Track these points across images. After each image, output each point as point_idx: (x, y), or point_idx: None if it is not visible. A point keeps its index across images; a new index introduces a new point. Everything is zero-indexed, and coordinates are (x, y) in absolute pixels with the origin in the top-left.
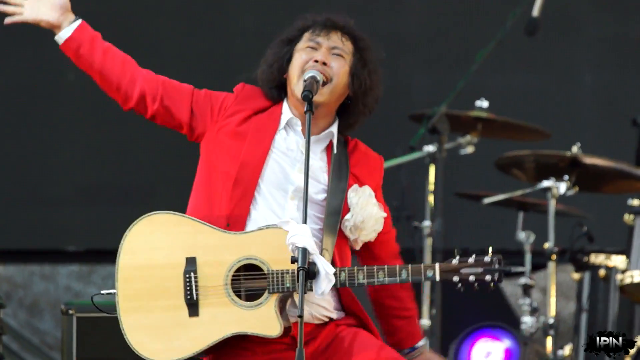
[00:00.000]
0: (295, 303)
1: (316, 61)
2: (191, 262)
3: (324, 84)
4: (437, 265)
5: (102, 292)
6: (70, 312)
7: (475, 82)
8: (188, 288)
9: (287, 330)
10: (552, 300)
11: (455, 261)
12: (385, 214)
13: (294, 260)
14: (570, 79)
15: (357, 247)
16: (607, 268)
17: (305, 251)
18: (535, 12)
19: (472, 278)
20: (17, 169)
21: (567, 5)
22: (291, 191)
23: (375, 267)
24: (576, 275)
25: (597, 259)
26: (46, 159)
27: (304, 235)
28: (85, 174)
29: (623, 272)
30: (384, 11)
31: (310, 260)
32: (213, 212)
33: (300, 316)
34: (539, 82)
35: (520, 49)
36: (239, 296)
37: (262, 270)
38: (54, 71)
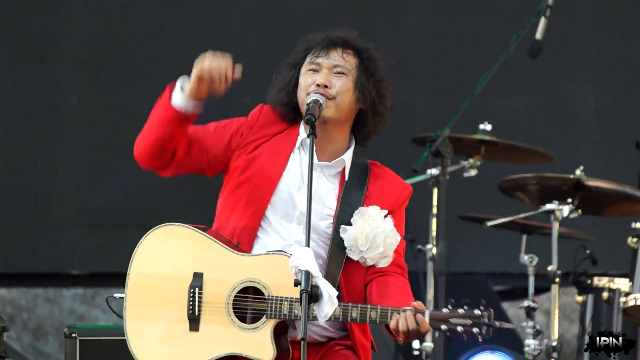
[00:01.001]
0: (295, 325)
1: (318, 85)
2: (198, 278)
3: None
4: (427, 312)
5: (115, 295)
6: (74, 335)
7: (478, 105)
8: (191, 303)
9: (284, 351)
10: (556, 323)
11: (445, 310)
12: (392, 226)
13: (297, 283)
14: (574, 101)
15: (379, 265)
16: (611, 291)
17: (308, 274)
18: (539, 34)
19: (460, 329)
20: (20, 192)
21: (570, 28)
22: (296, 215)
23: (368, 306)
24: (579, 298)
25: (600, 281)
26: (49, 182)
27: (307, 259)
28: (89, 197)
29: (626, 295)
30: (387, 34)
31: (314, 284)
32: (226, 230)
33: (303, 339)
34: (542, 105)
35: (524, 71)
36: (240, 316)
37: (263, 294)
38: (57, 94)
